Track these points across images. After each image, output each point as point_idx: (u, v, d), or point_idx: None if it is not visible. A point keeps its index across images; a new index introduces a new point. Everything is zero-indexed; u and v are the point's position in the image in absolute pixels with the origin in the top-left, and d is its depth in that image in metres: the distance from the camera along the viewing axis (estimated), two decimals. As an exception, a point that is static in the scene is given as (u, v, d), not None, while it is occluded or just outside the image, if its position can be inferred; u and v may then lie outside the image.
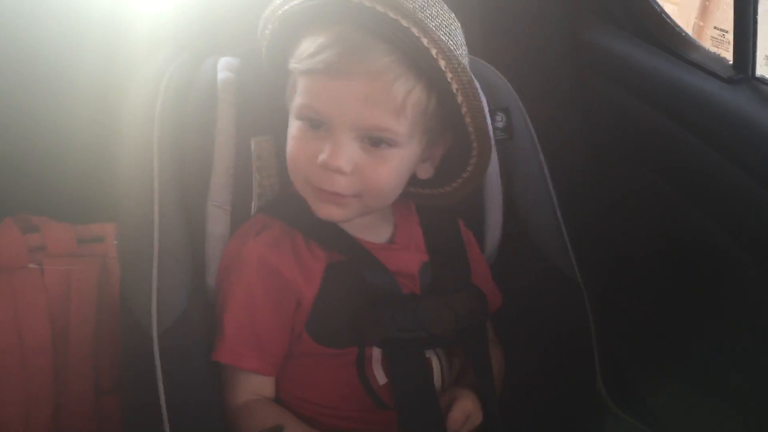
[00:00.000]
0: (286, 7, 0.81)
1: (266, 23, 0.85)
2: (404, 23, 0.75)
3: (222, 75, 0.94)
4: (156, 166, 0.89)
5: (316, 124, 0.81)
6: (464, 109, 0.81)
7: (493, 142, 1.01)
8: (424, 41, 0.76)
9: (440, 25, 0.81)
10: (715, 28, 2.29)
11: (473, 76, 0.82)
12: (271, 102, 0.91)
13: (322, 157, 0.80)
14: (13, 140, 1.13)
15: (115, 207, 0.93)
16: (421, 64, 0.77)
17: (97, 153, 1.11)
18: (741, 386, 1.02)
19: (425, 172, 0.90)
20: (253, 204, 0.93)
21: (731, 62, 1.10)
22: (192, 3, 1.08)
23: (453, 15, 0.86)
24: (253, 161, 0.93)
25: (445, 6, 0.85)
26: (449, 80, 0.78)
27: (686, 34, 1.22)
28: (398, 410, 0.85)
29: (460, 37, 0.86)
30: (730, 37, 1.15)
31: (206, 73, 0.95)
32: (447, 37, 0.81)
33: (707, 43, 2.25)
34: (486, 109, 1.00)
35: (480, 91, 1.02)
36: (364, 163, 0.81)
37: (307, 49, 0.80)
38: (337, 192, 0.82)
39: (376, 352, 0.88)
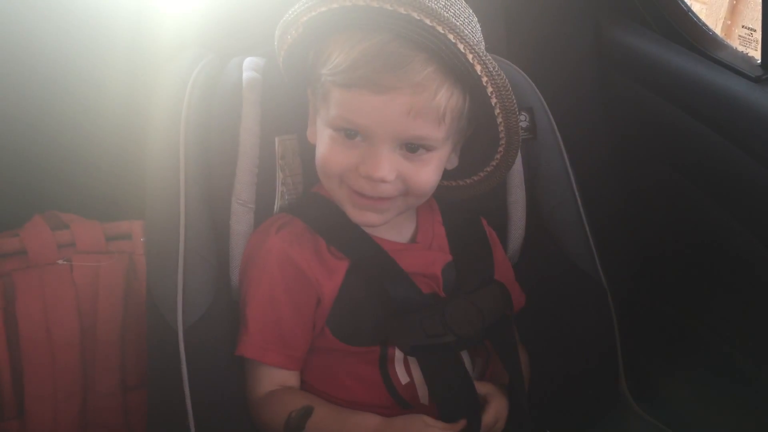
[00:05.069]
0: (313, 13, 0.79)
1: (287, 29, 0.83)
2: (440, 30, 0.75)
3: (247, 74, 0.95)
4: (182, 165, 0.90)
5: (352, 134, 0.82)
6: (497, 111, 0.81)
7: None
8: (460, 47, 0.75)
9: (464, 23, 0.81)
10: (743, 26, 2.26)
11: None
12: (296, 101, 0.91)
13: (364, 169, 0.81)
14: (42, 140, 1.14)
15: (142, 205, 0.94)
16: (457, 69, 0.77)
17: (124, 152, 1.12)
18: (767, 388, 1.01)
19: (451, 163, 0.91)
20: (276, 202, 0.94)
21: (759, 61, 1.08)
22: (217, 4, 1.09)
23: (470, 9, 0.86)
24: (277, 160, 0.94)
25: (462, 1, 0.85)
26: (485, 84, 0.78)
27: (713, 33, 1.20)
28: (440, 409, 0.84)
29: (479, 34, 0.86)
30: (758, 36, 1.13)
31: (232, 72, 0.96)
32: (472, 35, 0.81)
33: (735, 42, 2.22)
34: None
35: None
36: (405, 169, 0.82)
37: (344, 61, 0.78)
38: (382, 197, 0.83)
39: (399, 352, 0.88)
